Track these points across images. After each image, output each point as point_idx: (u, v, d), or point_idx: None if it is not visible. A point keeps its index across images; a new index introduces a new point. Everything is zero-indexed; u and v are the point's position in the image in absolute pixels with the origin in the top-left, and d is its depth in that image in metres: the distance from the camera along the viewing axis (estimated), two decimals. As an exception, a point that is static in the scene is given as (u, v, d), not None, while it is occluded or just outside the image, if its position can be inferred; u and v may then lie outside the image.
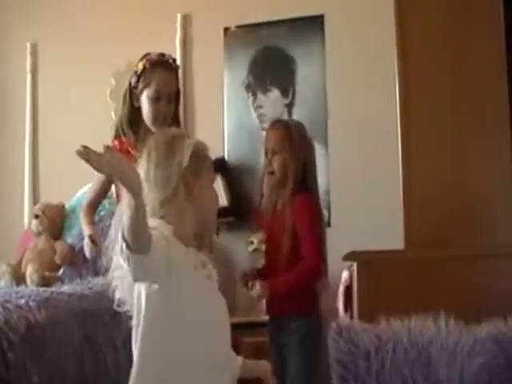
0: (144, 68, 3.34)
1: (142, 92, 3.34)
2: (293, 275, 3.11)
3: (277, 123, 3.41)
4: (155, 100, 3.29)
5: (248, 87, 4.69)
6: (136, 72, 3.37)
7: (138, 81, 3.35)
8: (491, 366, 2.19)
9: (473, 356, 2.22)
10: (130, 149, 3.33)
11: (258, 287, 3.10)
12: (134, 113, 3.38)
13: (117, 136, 3.43)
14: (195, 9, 4.91)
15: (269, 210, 3.32)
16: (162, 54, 3.41)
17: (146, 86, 3.31)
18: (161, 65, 3.35)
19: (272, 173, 3.27)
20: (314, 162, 3.34)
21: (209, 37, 4.85)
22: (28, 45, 5.28)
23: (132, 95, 3.37)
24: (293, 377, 3.14)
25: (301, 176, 3.24)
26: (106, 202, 4.57)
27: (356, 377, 2.31)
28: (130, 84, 3.38)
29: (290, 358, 3.16)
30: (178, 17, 4.90)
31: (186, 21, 4.93)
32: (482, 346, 2.22)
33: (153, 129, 3.31)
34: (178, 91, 3.42)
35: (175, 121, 3.39)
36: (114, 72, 5.02)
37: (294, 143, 3.25)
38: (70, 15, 5.19)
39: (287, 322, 3.18)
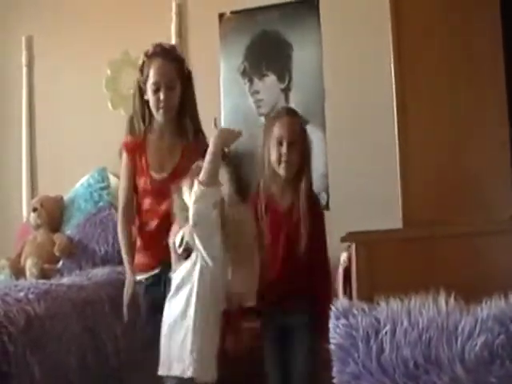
0: (143, 62, 3.37)
1: (145, 84, 3.36)
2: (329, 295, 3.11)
3: (288, 113, 3.34)
4: (155, 90, 3.30)
5: (244, 73, 4.67)
6: (139, 67, 3.41)
7: (141, 75, 3.38)
8: (492, 346, 2.16)
9: (474, 336, 2.19)
10: (142, 143, 3.37)
11: None
12: (144, 107, 3.40)
13: (130, 131, 3.44)
14: (190, -4, 4.89)
15: (278, 201, 3.28)
16: (158, 44, 3.40)
17: (147, 77, 3.34)
18: (156, 55, 3.35)
19: (290, 163, 3.23)
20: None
21: (204, 23, 4.83)
22: (23, 38, 5.27)
23: (140, 90, 3.39)
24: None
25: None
26: (104, 193, 4.58)
27: (356, 360, 2.29)
28: (138, 81, 3.40)
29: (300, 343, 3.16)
30: (173, 5, 4.88)
31: (181, 8, 4.91)
32: (482, 325, 2.20)
33: (158, 118, 3.35)
34: (184, 78, 3.38)
35: (187, 108, 3.38)
36: (110, 62, 5.01)
37: (307, 137, 3.28)
38: (65, 7, 5.18)
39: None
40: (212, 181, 2.82)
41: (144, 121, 3.40)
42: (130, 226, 3.37)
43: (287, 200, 3.27)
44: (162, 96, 3.29)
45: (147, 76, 3.34)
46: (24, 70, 5.28)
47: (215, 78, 4.72)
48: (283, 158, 3.22)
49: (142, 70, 3.38)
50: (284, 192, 3.28)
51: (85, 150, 4.87)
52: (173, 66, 3.35)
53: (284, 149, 3.21)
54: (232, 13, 4.76)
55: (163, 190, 3.17)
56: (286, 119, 3.28)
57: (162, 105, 3.30)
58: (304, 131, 3.30)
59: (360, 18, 4.39)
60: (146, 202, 3.32)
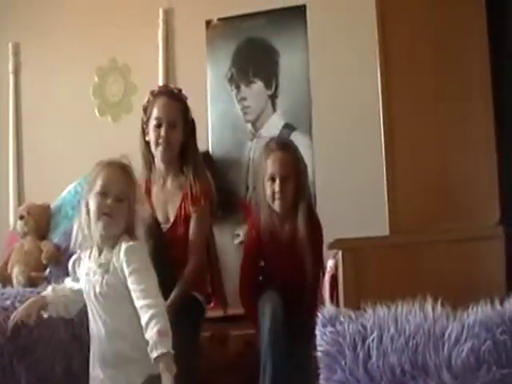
0: (148, 100, 3.41)
1: (147, 125, 3.40)
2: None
3: (282, 147, 3.34)
4: (156, 125, 3.32)
5: (231, 80, 4.68)
6: (143, 107, 3.43)
7: (145, 114, 3.41)
8: (479, 352, 2.16)
9: (460, 342, 2.19)
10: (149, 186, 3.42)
11: None
12: (146, 149, 3.43)
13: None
14: (177, 3, 4.90)
15: (272, 234, 3.33)
16: (165, 85, 3.53)
17: (150, 115, 3.36)
18: (162, 94, 3.40)
19: (284, 199, 3.26)
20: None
21: (191, 30, 4.84)
22: (10, 45, 5.26)
23: (144, 131, 3.42)
24: None
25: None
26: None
27: (343, 367, 2.29)
28: (142, 120, 3.43)
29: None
30: (160, 11, 4.88)
31: (168, 15, 4.91)
32: (469, 331, 2.20)
33: (158, 156, 3.37)
34: (187, 123, 3.40)
35: (189, 151, 3.39)
36: (97, 69, 5.01)
37: (301, 168, 3.29)
38: (51, 14, 5.17)
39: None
40: None
41: (149, 163, 3.44)
42: None
43: (287, 232, 3.32)
44: (162, 132, 3.30)
45: (150, 114, 3.36)
46: (11, 76, 5.26)
47: (202, 85, 4.71)
48: (276, 196, 3.25)
49: (145, 109, 3.40)
50: (283, 225, 3.33)
51: (72, 157, 4.86)
52: (177, 105, 3.36)
53: (277, 186, 3.23)
54: (219, 20, 4.77)
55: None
56: (277, 154, 3.28)
57: (161, 141, 3.31)
58: (298, 162, 3.30)
59: (347, 25, 4.41)
60: None
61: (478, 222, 2.92)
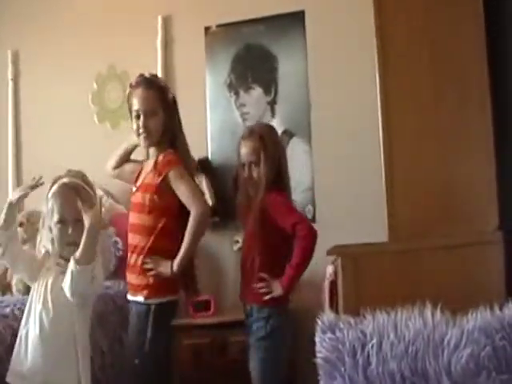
0: (129, 93, 3.49)
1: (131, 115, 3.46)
2: (298, 255, 3.14)
3: (249, 135, 3.43)
4: (136, 117, 3.40)
5: (230, 86, 4.67)
6: (127, 100, 3.52)
7: (128, 106, 3.48)
8: (479, 357, 2.16)
9: (460, 348, 2.19)
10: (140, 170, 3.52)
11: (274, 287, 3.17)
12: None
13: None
14: (175, 10, 4.89)
15: (243, 213, 3.42)
16: (141, 75, 3.51)
17: (131, 107, 3.44)
18: (138, 84, 3.45)
19: (253, 183, 3.35)
20: (286, 162, 3.43)
21: (190, 37, 4.83)
22: (9, 52, 5.25)
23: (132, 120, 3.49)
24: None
25: (273, 176, 3.31)
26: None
27: (343, 374, 2.29)
28: (130, 111, 3.49)
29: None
30: (159, 19, 4.87)
31: (167, 22, 4.90)
32: (469, 337, 2.20)
33: (141, 144, 3.46)
34: (167, 105, 3.44)
35: (171, 132, 3.42)
36: (96, 76, 5.00)
37: (269, 153, 3.33)
38: (50, 22, 5.16)
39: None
40: (87, 258, 2.90)
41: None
42: None
43: (249, 210, 3.39)
44: (140, 123, 3.37)
45: (131, 105, 3.44)
46: (10, 84, 5.24)
47: (201, 91, 4.71)
48: (248, 181, 3.37)
49: (128, 101, 3.48)
50: (247, 202, 3.43)
51: (71, 164, 4.80)
52: (153, 94, 3.41)
53: (245, 173, 3.37)
54: (218, 26, 4.76)
55: (132, 204, 3.41)
56: (242, 142, 3.43)
57: (141, 131, 3.38)
58: (265, 150, 3.34)
59: (345, 31, 4.40)
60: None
61: (477, 228, 2.93)
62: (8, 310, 3.29)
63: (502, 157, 3.06)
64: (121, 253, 4.12)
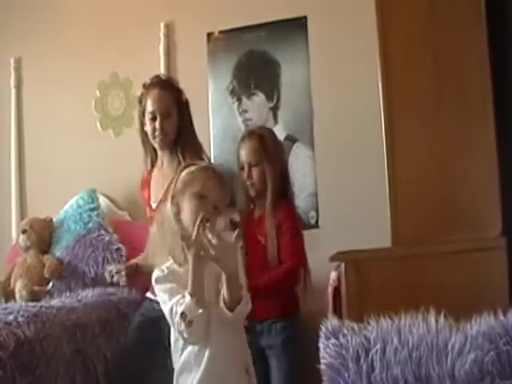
0: (141, 94, 3.50)
1: (144, 116, 3.47)
2: (273, 277, 3.18)
3: (249, 136, 3.44)
4: (151, 119, 3.41)
5: (232, 92, 4.67)
6: (138, 99, 3.54)
7: (140, 107, 3.50)
8: (482, 363, 2.15)
9: (464, 353, 2.18)
10: (148, 177, 3.55)
11: None
12: (146, 139, 3.52)
13: (146, 166, 3.62)
14: (178, 17, 4.89)
15: (245, 219, 3.33)
16: (156, 76, 3.54)
17: (145, 107, 3.45)
18: (153, 85, 3.46)
19: (252, 184, 3.35)
20: (288, 167, 3.48)
21: (192, 43, 4.83)
22: (12, 60, 5.26)
23: (141, 122, 3.51)
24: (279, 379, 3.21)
25: (279, 184, 3.34)
26: (93, 214, 4.56)
27: (346, 380, 2.28)
28: (139, 112, 3.52)
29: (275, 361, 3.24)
30: (161, 25, 4.88)
31: (169, 29, 4.91)
32: (472, 342, 2.19)
33: (156, 147, 3.47)
34: (181, 107, 3.46)
35: (181, 135, 3.44)
36: (99, 83, 5.01)
37: (270, 153, 3.35)
38: (53, 29, 5.17)
39: (270, 325, 3.24)
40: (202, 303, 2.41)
41: (147, 153, 3.54)
42: None
43: (257, 213, 3.40)
44: (157, 124, 3.37)
45: (145, 106, 3.44)
46: (13, 91, 5.25)
47: (204, 98, 4.71)
48: (248, 182, 3.37)
49: (140, 102, 3.49)
50: (248, 209, 3.42)
51: (74, 171, 4.86)
52: (169, 95, 3.42)
53: (244, 174, 3.36)
54: (220, 32, 4.76)
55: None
56: (241, 143, 3.43)
57: (157, 133, 3.39)
58: (265, 151, 3.35)
59: (348, 37, 4.40)
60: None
61: (481, 233, 2.92)
62: (11, 317, 3.28)
63: (505, 162, 3.05)
64: (124, 259, 4.12)
